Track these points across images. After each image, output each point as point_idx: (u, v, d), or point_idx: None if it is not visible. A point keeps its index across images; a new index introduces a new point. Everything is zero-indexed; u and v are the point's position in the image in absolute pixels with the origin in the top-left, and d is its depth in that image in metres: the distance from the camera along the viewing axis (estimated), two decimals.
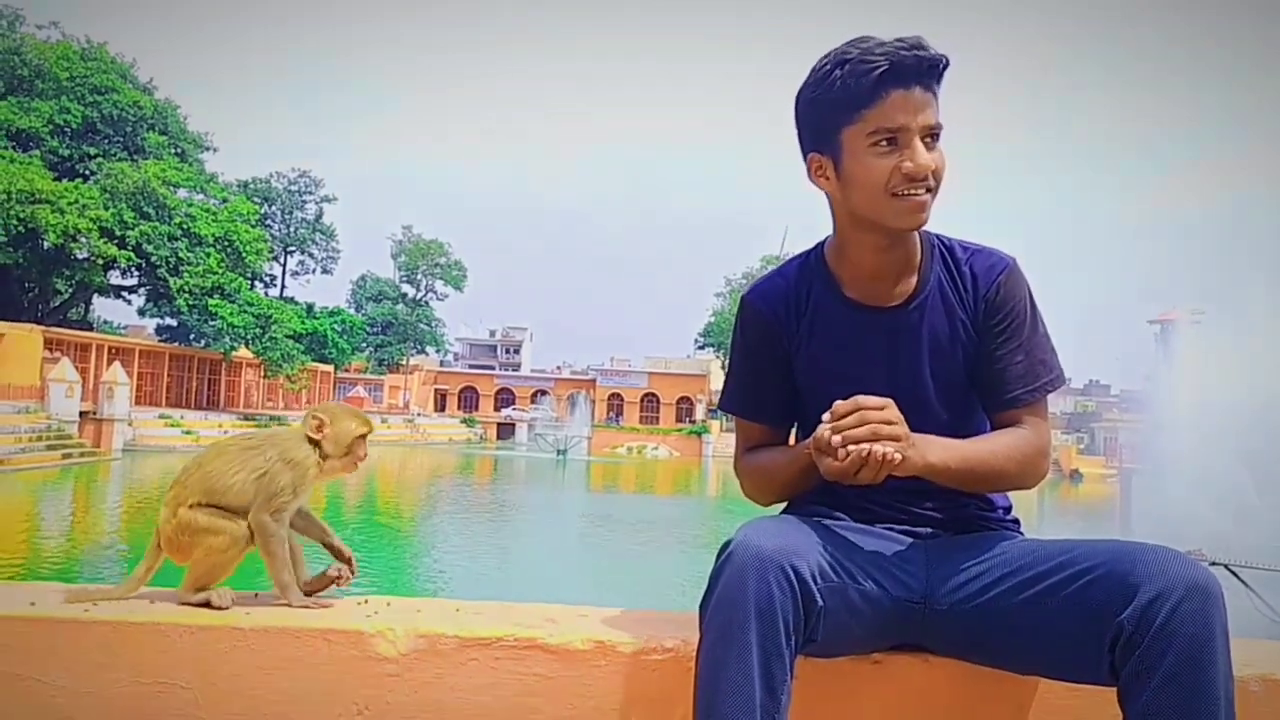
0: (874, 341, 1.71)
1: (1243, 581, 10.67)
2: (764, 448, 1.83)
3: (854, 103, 1.57)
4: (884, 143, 1.57)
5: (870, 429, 1.50)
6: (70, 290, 48.43)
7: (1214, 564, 10.39)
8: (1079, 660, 1.43)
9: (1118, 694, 1.37)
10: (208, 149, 53.28)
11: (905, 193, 1.57)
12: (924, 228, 1.68)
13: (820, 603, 1.44)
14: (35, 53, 45.84)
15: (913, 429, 1.68)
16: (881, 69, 1.53)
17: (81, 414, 35.16)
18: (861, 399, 1.52)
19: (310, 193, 68.72)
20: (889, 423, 1.51)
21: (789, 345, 1.78)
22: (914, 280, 1.71)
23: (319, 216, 69.17)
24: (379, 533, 21.03)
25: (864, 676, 1.65)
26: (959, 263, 1.71)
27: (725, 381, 1.90)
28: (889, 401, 1.53)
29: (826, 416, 1.53)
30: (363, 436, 1.90)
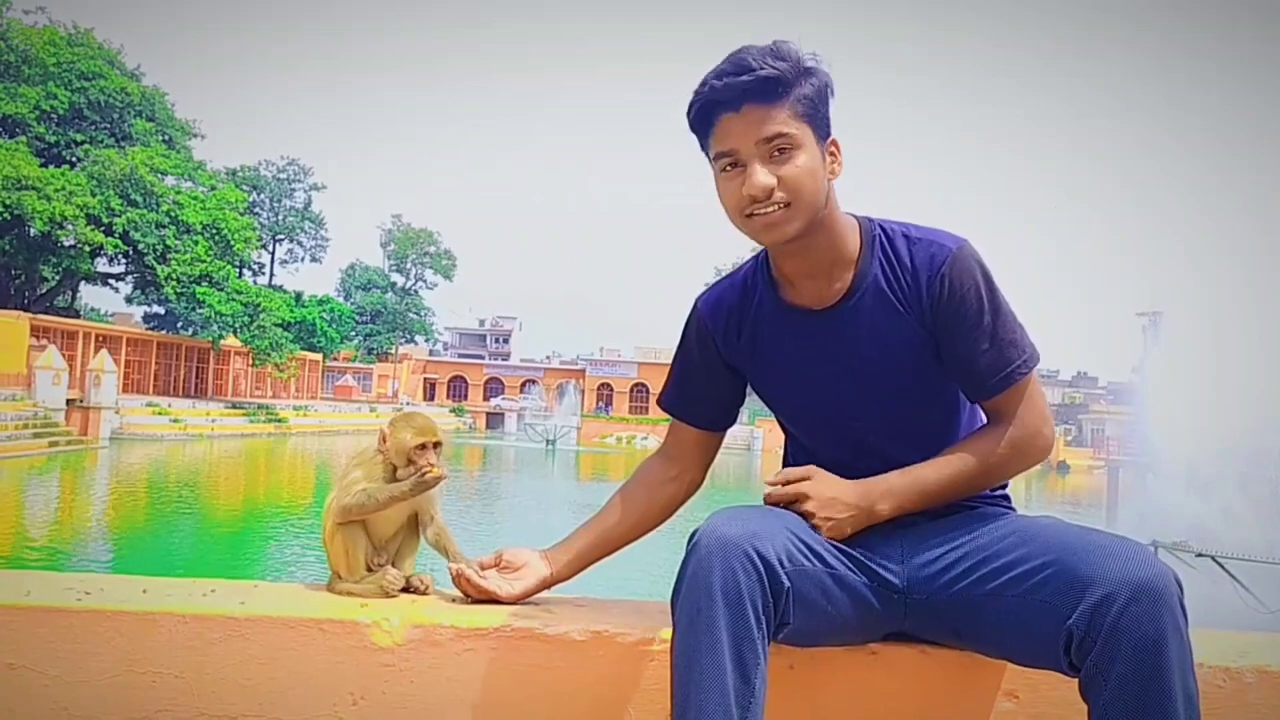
0: (815, 344, 1.69)
1: (1229, 573, 10.74)
2: (652, 467, 1.92)
3: (699, 134, 1.63)
4: (729, 166, 1.59)
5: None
6: (57, 277, 48.15)
7: (1200, 555, 10.47)
8: (1042, 653, 1.44)
9: (1079, 688, 1.38)
10: (195, 136, 52.99)
11: (755, 213, 1.58)
12: (869, 216, 1.70)
13: (787, 584, 1.44)
14: (22, 38, 45.46)
15: (873, 431, 1.71)
16: (701, 104, 1.59)
17: (68, 402, 35.00)
18: (769, 491, 1.66)
19: (299, 181, 68.47)
20: (798, 500, 1.64)
21: (730, 357, 1.80)
22: (850, 277, 1.67)
23: (308, 204, 68.93)
24: None
25: (860, 666, 1.66)
26: (899, 254, 1.66)
27: (668, 375, 1.93)
28: (805, 473, 1.65)
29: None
30: (422, 446, 1.85)
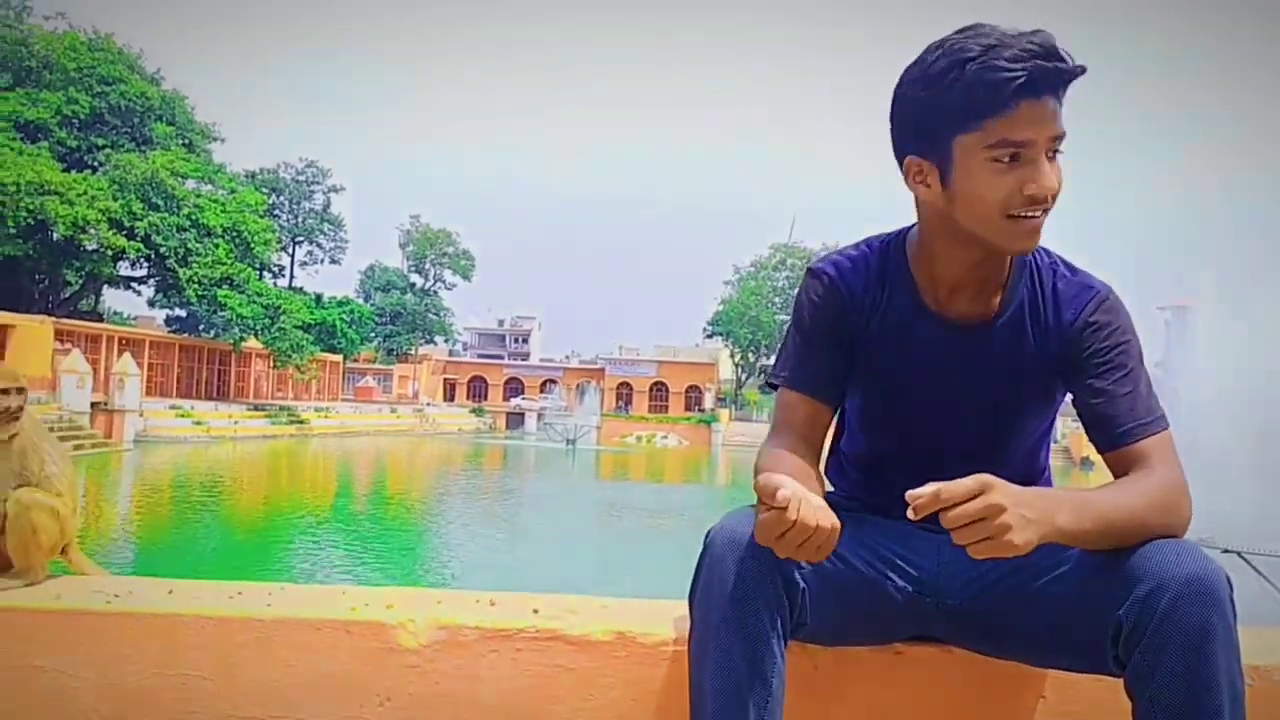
0: (944, 356, 1.60)
1: (1255, 569, 10.63)
2: (790, 449, 1.59)
3: (977, 110, 1.38)
4: (1007, 158, 1.39)
5: (980, 529, 1.27)
6: (80, 281, 48.54)
7: (1225, 551, 10.34)
8: (1084, 653, 1.42)
9: (1124, 686, 1.36)
10: (215, 139, 53.29)
11: (1023, 215, 1.41)
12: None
13: (802, 585, 1.43)
14: (42, 44, 45.87)
15: (957, 449, 1.60)
16: (1019, 80, 1.35)
17: (93, 405, 35.29)
18: (953, 513, 1.26)
19: (318, 183, 68.74)
20: (988, 516, 1.27)
21: (854, 330, 1.64)
22: (997, 300, 1.57)
23: (327, 206, 69.19)
24: (391, 522, 21.12)
25: (886, 666, 1.66)
26: (1045, 286, 1.57)
27: (779, 356, 1.71)
28: (984, 484, 1.27)
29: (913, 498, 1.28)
30: (4, 391, 1.72)
